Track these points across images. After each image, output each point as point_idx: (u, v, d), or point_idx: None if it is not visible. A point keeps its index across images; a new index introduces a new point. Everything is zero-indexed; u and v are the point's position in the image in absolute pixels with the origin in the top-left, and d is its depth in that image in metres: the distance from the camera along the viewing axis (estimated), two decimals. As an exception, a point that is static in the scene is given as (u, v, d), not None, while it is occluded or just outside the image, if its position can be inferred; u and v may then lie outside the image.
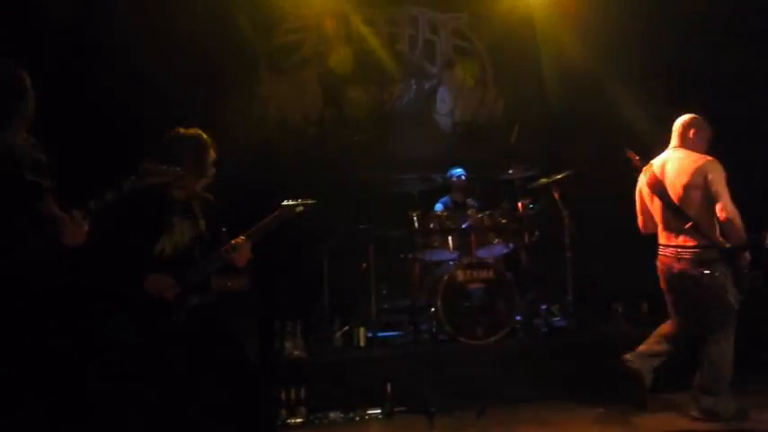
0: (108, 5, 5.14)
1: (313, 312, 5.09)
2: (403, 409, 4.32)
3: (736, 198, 3.77)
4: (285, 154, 6.01)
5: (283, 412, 4.11)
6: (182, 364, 2.94)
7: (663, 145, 4.15)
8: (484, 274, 4.89)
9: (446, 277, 4.82)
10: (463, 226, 5.11)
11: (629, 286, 5.39)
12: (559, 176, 5.28)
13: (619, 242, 5.83)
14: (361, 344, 4.77)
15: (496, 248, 5.17)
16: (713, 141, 4.03)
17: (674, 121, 4.11)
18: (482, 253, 5.10)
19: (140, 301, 2.91)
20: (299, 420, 4.13)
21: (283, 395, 4.13)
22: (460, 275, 4.86)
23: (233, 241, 3.08)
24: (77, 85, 4.83)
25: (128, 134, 4.67)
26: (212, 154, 3.15)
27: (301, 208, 3.28)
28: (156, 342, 2.91)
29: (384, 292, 5.41)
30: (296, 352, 4.47)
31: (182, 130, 3.11)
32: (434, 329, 4.87)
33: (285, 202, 3.28)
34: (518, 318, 4.98)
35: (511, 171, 5.33)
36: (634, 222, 5.51)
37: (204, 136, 3.14)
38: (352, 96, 6.48)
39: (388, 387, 4.30)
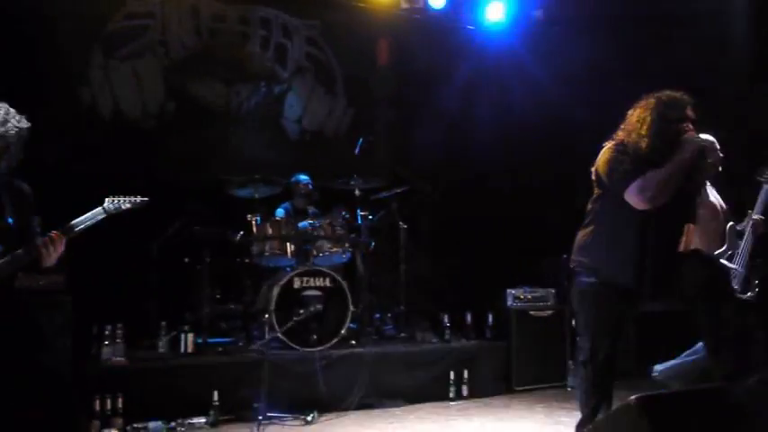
0: None
1: (139, 316, 4.81)
2: (230, 417, 4.23)
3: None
4: (119, 146, 5.64)
5: (97, 423, 3.84)
6: None
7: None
8: (320, 281, 4.93)
9: (282, 284, 4.80)
10: (302, 232, 5.12)
11: (456, 298, 5.74)
12: (399, 190, 5.52)
13: (450, 256, 6.23)
14: (189, 350, 4.59)
15: (334, 257, 5.24)
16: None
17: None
18: (320, 261, 5.15)
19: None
20: (113, 431, 3.87)
21: (98, 405, 3.86)
22: (296, 282, 4.86)
23: (47, 236, 2.83)
24: None
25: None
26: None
27: (128, 205, 3.08)
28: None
29: (218, 296, 5.25)
30: (116, 358, 4.19)
31: None
32: (267, 336, 4.81)
33: (110, 198, 3.07)
34: (352, 326, 5.08)
35: (353, 182, 5.45)
36: (466, 238, 5.91)
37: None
38: (196, 92, 6.24)
39: (215, 395, 4.19)
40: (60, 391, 2.88)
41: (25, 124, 2.85)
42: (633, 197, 2.72)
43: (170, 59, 6.14)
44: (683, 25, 5.59)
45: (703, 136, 2.79)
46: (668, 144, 2.74)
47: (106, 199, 3.06)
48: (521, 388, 5.17)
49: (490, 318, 5.37)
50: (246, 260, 5.10)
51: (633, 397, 2.22)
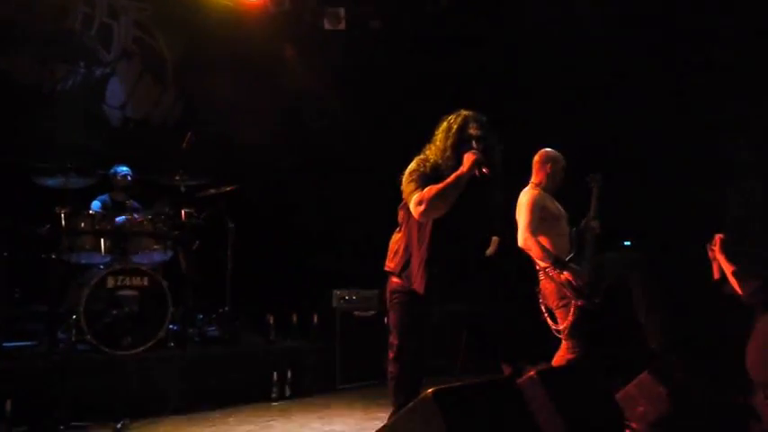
0: None
1: None
2: (24, 429, 3.84)
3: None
4: None
5: None
6: None
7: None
8: (137, 281, 4.66)
9: (93, 282, 4.46)
10: (119, 227, 4.81)
11: (282, 299, 5.73)
12: (228, 189, 5.38)
13: (276, 256, 6.20)
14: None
15: (155, 255, 4.97)
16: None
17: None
18: (139, 258, 4.86)
19: None
20: None
21: None
22: (110, 281, 4.55)
23: None
24: None
25: None
26: None
27: None
28: None
29: (17, 296, 4.75)
30: None
31: None
32: (74, 338, 4.45)
33: None
34: (172, 327, 4.86)
35: (178, 177, 5.22)
36: (293, 237, 5.91)
37: None
38: (3, 65, 5.60)
39: (8, 404, 3.78)
40: None
41: None
42: (412, 209, 2.92)
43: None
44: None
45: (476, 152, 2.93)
46: (459, 160, 2.94)
47: None
48: (344, 386, 5.29)
49: (315, 318, 5.43)
50: (53, 256, 4.66)
51: (430, 390, 2.40)
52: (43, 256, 4.69)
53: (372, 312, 5.57)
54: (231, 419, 4.38)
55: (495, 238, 3.27)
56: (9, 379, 3.95)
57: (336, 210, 6.48)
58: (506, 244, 3.66)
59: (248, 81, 6.54)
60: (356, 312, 5.50)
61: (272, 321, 5.24)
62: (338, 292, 5.48)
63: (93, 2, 6.22)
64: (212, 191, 5.38)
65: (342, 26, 6.65)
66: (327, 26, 6.60)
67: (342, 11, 6.63)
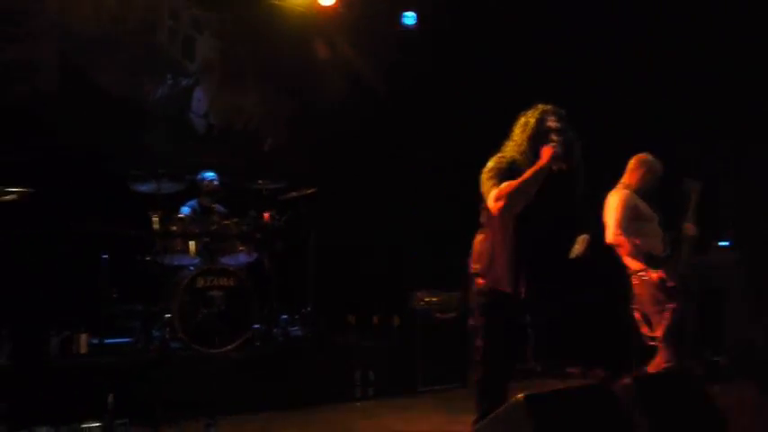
0: None
1: (26, 317, 4.49)
2: (125, 421, 4.04)
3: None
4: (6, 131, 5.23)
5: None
6: None
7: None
8: (225, 281, 4.83)
9: (185, 283, 4.65)
10: (208, 230, 4.99)
11: (363, 300, 5.79)
12: (308, 191, 5.49)
13: (358, 258, 6.26)
14: (83, 351, 4.36)
15: (240, 257, 5.14)
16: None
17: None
18: (226, 260, 5.04)
19: None
20: (-5, 438, 3.61)
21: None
22: (200, 282, 4.74)
23: None
24: None
25: None
26: None
27: (14, 196, 2.82)
28: None
29: (116, 295, 5.01)
30: (-1, 360, 3.91)
31: None
32: (167, 336, 4.66)
33: None
34: (257, 327, 5.00)
35: (261, 181, 5.38)
36: (374, 239, 5.93)
37: None
38: (99, 79, 5.93)
39: (110, 398, 3.98)
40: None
41: None
42: (490, 205, 2.87)
43: (68, 44, 5.80)
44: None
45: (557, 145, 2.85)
46: (537, 155, 2.87)
47: None
48: (425, 389, 5.26)
49: (396, 320, 5.45)
50: (148, 258, 4.90)
51: (521, 395, 2.33)
52: (138, 257, 4.94)
53: (453, 314, 5.52)
54: (315, 418, 4.46)
55: (583, 237, 3.17)
56: (111, 374, 4.17)
57: (417, 210, 6.48)
58: (594, 242, 3.56)
59: (324, 84, 6.66)
60: (437, 314, 5.48)
61: (353, 322, 5.30)
62: (419, 294, 5.48)
63: (177, 16, 6.49)
64: (293, 194, 5.50)
65: (414, 27, 6.73)
66: (399, 27, 6.70)
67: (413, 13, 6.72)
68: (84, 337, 4.37)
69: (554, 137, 2.86)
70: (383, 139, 6.68)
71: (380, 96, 6.76)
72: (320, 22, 6.71)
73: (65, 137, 5.49)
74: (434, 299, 5.51)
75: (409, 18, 6.82)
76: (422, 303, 5.47)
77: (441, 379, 5.32)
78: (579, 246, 3.19)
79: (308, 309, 5.38)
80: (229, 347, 4.68)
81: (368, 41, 6.88)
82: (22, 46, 5.57)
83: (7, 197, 2.78)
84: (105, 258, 4.70)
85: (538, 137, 2.90)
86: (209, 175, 5.66)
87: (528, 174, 2.81)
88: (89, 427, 3.90)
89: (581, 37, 6.04)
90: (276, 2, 6.51)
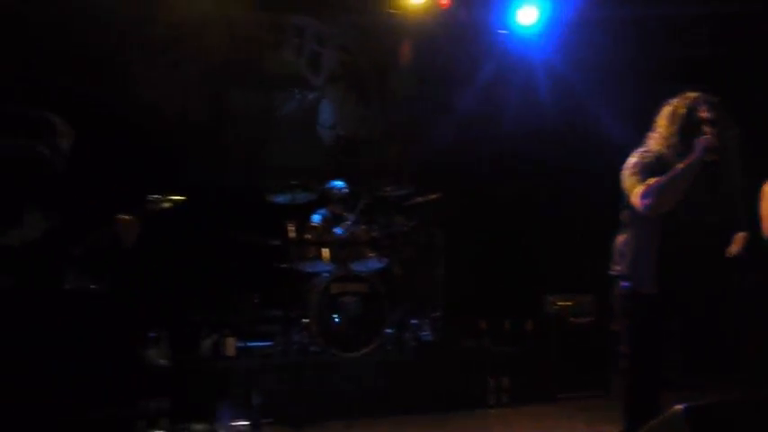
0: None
1: (181, 320, 4.88)
2: (270, 420, 4.26)
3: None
4: (155, 150, 5.70)
5: (143, 423, 3.90)
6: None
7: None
8: (357, 287, 4.96)
9: (320, 289, 4.83)
10: (339, 237, 5.16)
11: (494, 304, 5.72)
12: (434, 196, 5.52)
13: (488, 261, 6.20)
14: (230, 353, 4.65)
15: (371, 262, 5.26)
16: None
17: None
18: (357, 266, 5.17)
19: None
20: (160, 432, 3.94)
21: (145, 406, 3.92)
22: (334, 288, 4.89)
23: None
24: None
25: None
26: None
27: (169, 204, 3.05)
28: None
29: (256, 301, 5.31)
30: (160, 361, 4.26)
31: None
32: (306, 340, 4.86)
33: (151, 196, 2.99)
34: (388, 331, 5.09)
35: (388, 188, 5.48)
36: (503, 242, 5.81)
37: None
38: (236, 100, 6.33)
39: (256, 398, 4.23)
40: (112, 393, 2.92)
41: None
42: (636, 203, 2.70)
43: (208, 67, 6.23)
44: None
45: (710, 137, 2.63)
46: (688, 147, 2.66)
47: (148, 197, 3.05)
48: (563, 396, 5.09)
49: (530, 324, 5.33)
50: (284, 265, 5.15)
51: (680, 406, 2.17)
52: (276, 265, 5.21)
53: (589, 319, 5.32)
54: (448, 424, 4.45)
55: (740, 235, 2.93)
56: (255, 375, 4.42)
57: (548, 212, 6.32)
58: (752, 240, 3.28)
59: (446, 88, 6.66)
60: (572, 319, 5.29)
61: (484, 327, 5.24)
62: (551, 298, 5.33)
63: (302, 32, 6.78)
64: (419, 199, 5.56)
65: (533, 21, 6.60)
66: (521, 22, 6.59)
67: (534, 9, 6.56)
68: (231, 341, 4.65)
69: (707, 128, 2.65)
70: (510, 141, 6.58)
71: (500, 96, 6.65)
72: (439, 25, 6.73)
73: (206, 155, 5.90)
74: (568, 303, 5.33)
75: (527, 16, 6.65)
76: (555, 307, 5.32)
77: (580, 386, 5.13)
78: (736, 245, 2.95)
79: (439, 313, 5.39)
80: (363, 352, 4.79)
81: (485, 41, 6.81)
82: (170, 71, 6.05)
83: (165, 205, 2.98)
84: (245, 266, 4.98)
85: (688, 128, 2.70)
86: (338, 183, 5.85)
87: (679, 168, 2.63)
88: (238, 425, 4.17)
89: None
90: (394, 10, 6.61)
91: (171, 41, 6.04)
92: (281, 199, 5.29)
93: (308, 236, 5.13)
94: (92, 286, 3.49)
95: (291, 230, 5.10)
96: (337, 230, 5.23)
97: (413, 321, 5.44)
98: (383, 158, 5.90)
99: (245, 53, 6.39)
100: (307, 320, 4.80)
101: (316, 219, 5.60)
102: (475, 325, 5.39)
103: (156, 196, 3.00)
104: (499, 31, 6.79)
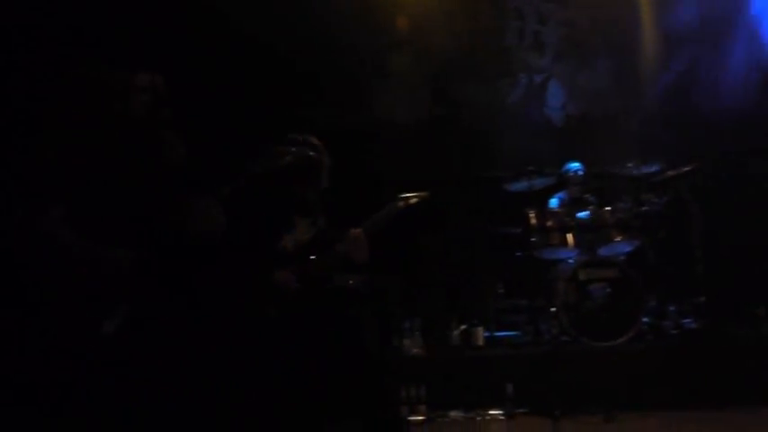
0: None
1: (429, 311, 5.06)
2: (524, 410, 4.22)
3: None
4: (394, 153, 5.97)
5: (404, 409, 4.12)
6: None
7: None
8: (607, 273, 4.69)
9: (567, 276, 4.66)
10: (582, 222, 4.91)
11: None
12: (687, 169, 4.98)
13: (756, 240, 5.44)
14: (480, 343, 4.70)
15: (619, 246, 4.93)
16: None
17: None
18: (604, 251, 4.89)
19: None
20: (419, 418, 4.12)
21: (404, 392, 4.13)
22: (582, 274, 4.69)
23: (349, 233, 3.07)
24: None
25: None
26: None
27: (416, 200, 3.23)
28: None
29: (501, 291, 5.29)
30: (415, 350, 4.46)
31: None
32: (555, 330, 4.72)
33: (400, 195, 3.24)
34: (644, 319, 4.73)
35: (631, 164, 5.08)
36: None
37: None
38: (463, 94, 6.38)
39: (509, 387, 4.21)
40: (378, 381, 3.12)
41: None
42: None
43: (432, 65, 6.37)
44: None
45: None
46: None
47: (397, 197, 3.26)
48: None
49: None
50: (527, 253, 5.05)
51: None
52: (518, 254, 5.14)
53: None
54: (728, 422, 3.98)
55: None
56: (507, 365, 4.41)
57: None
58: None
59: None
60: None
61: (762, 314, 4.60)
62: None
63: (522, 14, 6.60)
64: (670, 173, 5.05)
65: None
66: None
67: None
68: (479, 330, 4.70)
69: None
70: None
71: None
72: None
73: (437, 151, 6.02)
74: None
75: None
76: None
77: None
78: None
79: (701, 299, 4.85)
80: (619, 341, 4.51)
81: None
82: (399, 78, 6.29)
83: (414, 201, 3.21)
84: (489, 256, 5.00)
85: None
86: (574, 165, 5.57)
87: None
88: (493, 414, 4.20)
89: None
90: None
91: (394, 47, 6.29)
92: (518, 186, 5.22)
93: (550, 222, 4.97)
94: (350, 282, 3.76)
95: (532, 217, 4.99)
96: (580, 214, 4.99)
97: (671, 308, 4.98)
98: (623, 134, 5.47)
99: (469, 46, 6.41)
100: (554, 309, 4.65)
101: (553, 203, 5.41)
102: (749, 311, 4.75)
103: (405, 195, 3.20)
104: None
